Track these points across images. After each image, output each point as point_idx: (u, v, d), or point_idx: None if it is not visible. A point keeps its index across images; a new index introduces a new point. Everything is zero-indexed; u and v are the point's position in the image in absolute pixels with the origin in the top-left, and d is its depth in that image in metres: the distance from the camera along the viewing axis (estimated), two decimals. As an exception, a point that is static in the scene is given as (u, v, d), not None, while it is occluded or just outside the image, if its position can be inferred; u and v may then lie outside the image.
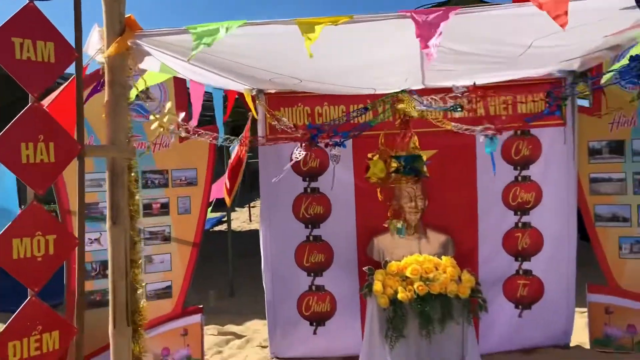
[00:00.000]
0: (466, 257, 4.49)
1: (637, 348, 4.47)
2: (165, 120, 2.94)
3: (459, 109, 3.78)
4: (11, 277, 2.47)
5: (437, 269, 4.09)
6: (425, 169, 4.15)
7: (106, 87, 2.31)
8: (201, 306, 4.70)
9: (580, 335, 4.87)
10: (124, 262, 2.41)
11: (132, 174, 2.54)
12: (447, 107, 3.71)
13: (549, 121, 4.47)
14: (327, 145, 3.82)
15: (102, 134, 4.22)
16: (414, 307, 4.00)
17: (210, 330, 5.65)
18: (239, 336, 5.48)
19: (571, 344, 4.74)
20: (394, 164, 3.64)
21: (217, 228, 12.21)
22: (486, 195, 4.59)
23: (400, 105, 3.59)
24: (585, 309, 4.87)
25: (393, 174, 3.55)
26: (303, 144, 3.97)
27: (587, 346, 4.71)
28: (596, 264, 4.73)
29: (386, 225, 4.10)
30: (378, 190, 4.08)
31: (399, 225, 4.03)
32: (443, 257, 4.20)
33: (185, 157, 4.52)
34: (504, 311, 4.64)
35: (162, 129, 2.95)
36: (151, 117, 3.06)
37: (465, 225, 4.59)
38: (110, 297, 2.43)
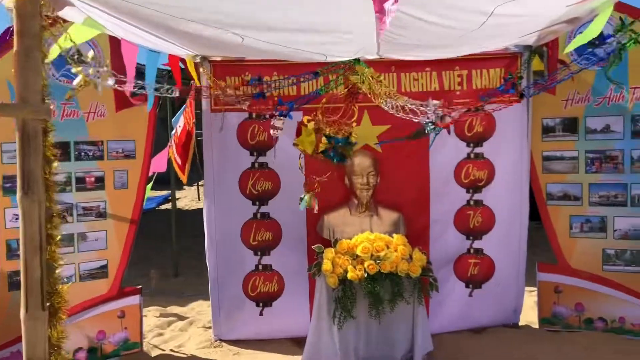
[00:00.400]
0: (418, 236, 4.37)
1: (585, 326, 4.47)
2: (91, 72, 2.63)
3: (431, 127, 3.58)
4: None
5: (388, 248, 3.96)
6: (351, 154, 3.98)
7: (15, 37, 2.01)
8: (140, 286, 4.43)
9: (529, 315, 4.85)
10: (37, 238, 2.13)
11: (49, 138, 2.24)
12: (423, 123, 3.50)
13: (505, 97, 4.37)
14: (272, 116, 3.58)
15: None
16: (364, 286, 3.85)
17: (151, 312, 5.38)
18: (181, 318, 5.23)
19: (520, 323, 4.71)
20: (323, 144, 3.45)
21: (164, 206, 11.82)
22: (439, 172, 4.47)
23: (354, 77, 3.38)
24: (534, 288, 4.85)
25: (318, 152, 3.38)
26: (277, 113, 3.69)
27: (536, 325, 4.69)
28: (545, 244, 4.71)
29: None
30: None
31: (307, 197, 3.79)
32: (394, 235, 4.07)
33: (123, 127, 4.20)
34: (454, 290, 4.56)
35: (85, 83, 2.63)
36: (73, 70, 2.74)
37: (417, 203, 4.47)
38: (21, 276, 2.15)
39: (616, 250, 4.37)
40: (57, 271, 2.24)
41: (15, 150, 3.84)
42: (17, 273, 3.89)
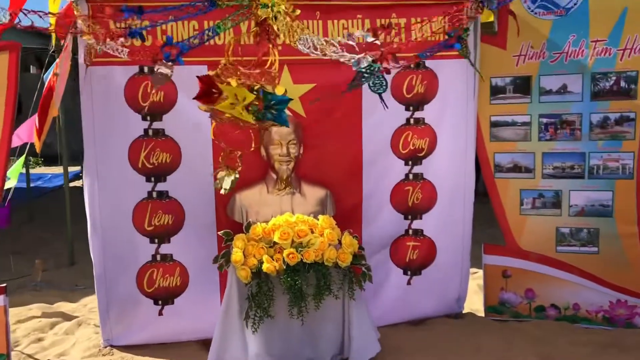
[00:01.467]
0: (348, 216, 3.70)
1: (536, 314, 3.96)
2: None
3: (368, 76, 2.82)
4: None
5: (312, 232, 3.26)
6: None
7: None
8: (4, 285, 3.52)
9: (473, 301, 4.32)
10: None
11: None
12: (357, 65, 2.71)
13: (448, 52, 3.71)
14: (155, 60, 2.73)
15: None
16: (283, 280, 3.15)
17: (33, 311, 4.46)
18: (68, 317, 4.35)
19: (464, 311, 4.16)
20: (249, 99, 2.58)
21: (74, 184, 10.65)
22: (373, 141, 3.78)
23: (262, 10, 2.59)
24: (477, 270, 4.31)
25: (244, 112, 2.52)
26: (164, 56, 2.78)
27: (481, 314, 4.15)
28: (492, 222, 4.16)
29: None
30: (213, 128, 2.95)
31: (226, 178, 2.96)
32: (320, 216, 3.36)
33: (-29, 82, 3.25)
34: (391, 278, 3.94)
35: None
36: None
37: (348, 178, 3.77)
38: None
39: (571, 228, 3.85)
40: None
41: None
42: None
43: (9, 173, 3.78)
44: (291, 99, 2.55)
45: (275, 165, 3.46)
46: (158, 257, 3.68)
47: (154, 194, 3.62)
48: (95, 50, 3.35)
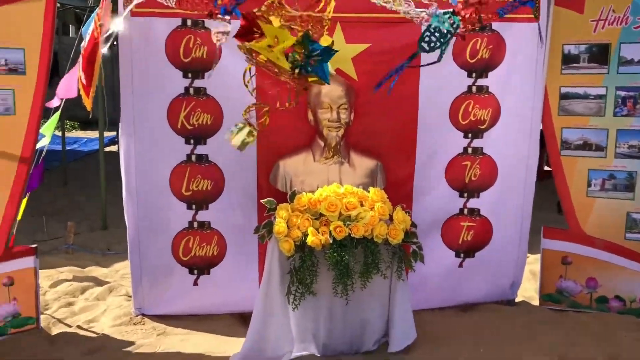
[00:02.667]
0: (398, 191, 3.42)
1: (597, 306, 3.65)
2: None
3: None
4: None
5: (362, 205, 2.98)
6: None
7: None
8: (35, 246, 3.37)
9: (525, 289, 4.01)
10: None
11: None
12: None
13: (517, 14, 3.37)
14: (211, 15, 2.48)
15: None
16: (329, 255, 2.89)
17: (64, 274, 4.35)
18: (100, 283, 4.21)
19: (517, 299, 3.86)
20: (289, 43, 2.27)
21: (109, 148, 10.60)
22: (429, 109, 3.47)
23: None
24: (530, 256, 4.00)
25: (281, 57, 2.22)
26: (220, 11, 2.51)
27: (536, 302, 3.85)
28: (553, 203, 3.83)
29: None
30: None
31: (240, 133, 2.67)
32: (370, 189, 3.09)
33: (6, 30, 3.05)
34: (441, 259, 3.65)
35: None
36: None
37: (400, 149, 3.49)
38: None
39: (644, 214, 3.51)
40: None
41: None
42: None
43: (42, 130, 3.60)
44: (336, 51, 2.26)
45: (324, 131, 3.19)
46: (195, 225, 3.47)
47: (193, 158, 3.40)
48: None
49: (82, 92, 3.23)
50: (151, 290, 3.52)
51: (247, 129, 2.63)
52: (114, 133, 9.42)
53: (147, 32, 3.25)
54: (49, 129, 3.63)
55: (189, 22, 3.26)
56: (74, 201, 6.79)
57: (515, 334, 3.38)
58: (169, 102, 3.33)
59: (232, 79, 3.28)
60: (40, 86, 3.20)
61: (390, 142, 3.44)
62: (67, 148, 9.34)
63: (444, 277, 3.66)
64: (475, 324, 3.55)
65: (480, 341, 3.30)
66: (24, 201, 3.40)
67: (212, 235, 3.48)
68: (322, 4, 2.25)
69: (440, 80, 3.39)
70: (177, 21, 3.26)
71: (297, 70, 2.35)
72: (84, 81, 3.17)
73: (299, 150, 3.29)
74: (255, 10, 2.26)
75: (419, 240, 3.14)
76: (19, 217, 3.41)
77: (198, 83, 3.33)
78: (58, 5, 7.17)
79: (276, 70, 2.29)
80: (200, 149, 3.39)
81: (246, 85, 2.58)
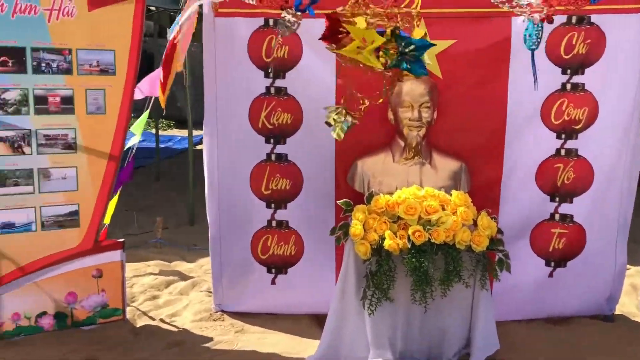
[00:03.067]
0: (485, 194, 3.25)
1: None
2: None
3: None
4: None
5: (443, 209, 2.85)
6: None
7: None
8: (122, 240, 3.50)
9: (623, 304, 3.69)
10: None
11: None
12: None
13: (619, 4, 3.10)
14: (282, 7, 2.44)
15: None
16: (407, 260, 2.78)
17: (151, 268, 4.50)
18: (184, 277, 4.32)
19: (615, 314, 3.56)
20: (378, 43, 2.18)
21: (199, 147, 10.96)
22: (519, 108, 3.26)
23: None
24: (630, 267, 3.67)
25: (372, 58, 2.14)
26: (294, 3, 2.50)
27: (637, 317, 3.54)
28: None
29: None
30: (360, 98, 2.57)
31: (342, 120, 2.58)
32: (453, 191, 2.95)
33: (98, 32, 3.18)
34: (529, 268, 3.43)
35: None
36: None
37: (487, 150, 3.30)
38: None
39: None
40: None
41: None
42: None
43: (132, 129, 3.75)
44: (433, 44, 2.14)
45: (404, 130, 3.08)
46: (273, 223, 3.47)
47: (273, 157, 3.40)
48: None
49: (159, 90, 3.33)
50: (231, 287, 3.56)
51: (347, 115, 2.56)
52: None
53: (230, 32, 3.28)
54: (138, 127, 3.77)
55: (270, 22, 3.26)
56: (164, 197, 7.05)
57: (612, 352, 3.12)
58: (251, 102, 3.35)
59: (312, 79, 3.28)
60: (129, 86, 3.31)
61: (476, 143, 3.27)
62: (162, 146, 9.75)
63: (532, 287, 3.43)
64: (567, 339, 3.32)
65: (572, 358, 3.07)
66: (116, 197, 3.56)
67: (290, 234, 3.47)
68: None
69: (531, 77, 3.17)
70: (260, 21, 3.27)
71: (390, 68, 2.28)
72: (161, 79, 3.26)
73: (378, 150, 3.20)
74: (338, 10, 2.21)
75: (506, 248, 2.96)
76: (112, 211, 3.57)
77: (279, 83, 3.33)
78: (153, 8, 7.53)
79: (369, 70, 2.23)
80: (280, 148, 3.39)
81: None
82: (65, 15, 3.10)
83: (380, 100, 2.52)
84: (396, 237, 2.81)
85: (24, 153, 3.14)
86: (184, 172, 6.70)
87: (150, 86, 3.66)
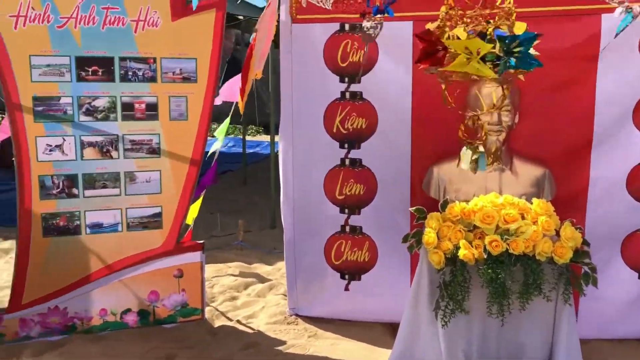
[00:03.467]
0: (570, 202, 3.05)
1: None
2: None
3: None
4: None
5: (523, 218, 2.70)
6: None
7: None
8: (202, 242, 3.61)
9: None
10: None
11: None
12: None
13: None
14: (364, 13, 2.42)
15: None
16: (483, 271, 2.66)
17: (232, 269, 4.62)
18: (262, 279, 4.40)
19: None
20: (485, 50, 2.09)
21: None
22: (609, 110, 3.04)
23: None
24: None
25: (481, 67, 2.05)
26: (372, 10, 2.49)
27: None
28: None
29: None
30: (445, 92, 2.49)
31: (476, 153, 2.52)
32: (534, 199, 2.79)
33: (181, 41, 3.31)
34: (621, 282, 3.18)
35: None
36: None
37: (573, 155, 3.10)
38: None
39: None
40: None
41: (49, 66, 3.19)
42: (54, 215, 3.28)
43: (216, 133, 3.87)
44: (539, 34, 2.05)
45: (484, 135, 2.95)
46: (347, 229, 3.45)
47: (347, 161, 3.39)
48: (298, 5, 3.20)
49: (238, 95, 3.41)
50: (305, 292, 3.58)
51: (472, 148, 2.51)
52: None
53: (306, 38, 3.31)
54: (221, 133, 3.88)
55: (346, 27, 3.25)
56: (249, 200, 7.23)
57: None
58: (326, 107, 3.36)
59: (388, 82, 3.24)
60: (210, 93, 3.42)
61: (561, 148, 3.08)
62: (249, 151, 10.02)
63: (624, 303, 3.18)
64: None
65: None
66: (199, 200, 3.68)
67: (363, 240, 3.44)
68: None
69: (622, 75, 2.95)
70: (335, 26, 3.27)
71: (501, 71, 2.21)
72: (240, 85, 3.34)
73: (455, 156, 3.08)
74: (431, 27, 2.17)
75: (592, 262, 2.76)
76: (195, 213, 3.70)
77: (354, 87, 3.31)
78: (240, 17, 7.74)
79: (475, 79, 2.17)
80: (354, 153, 3.37)
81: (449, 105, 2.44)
82: (151, 26, 3.25)
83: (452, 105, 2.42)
84: (472, 246, 2.69)
85: (111, 157, 3.32)
86: (269, 177, 6.87)
87: (229, 92, 3.76)
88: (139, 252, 3.45)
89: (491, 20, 2.18)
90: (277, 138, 6.71)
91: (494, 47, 2.16)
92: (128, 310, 3.49)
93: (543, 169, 3.01)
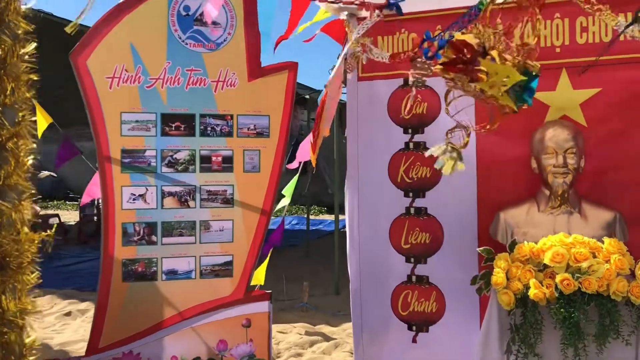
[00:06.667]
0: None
1: None
2: None
3: None
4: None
5: (594, 256, 2.66)
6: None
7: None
8: (270, 292, 3.69)
9: None
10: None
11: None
12: None
13: None
14: (412, 58, 2.57)
15: (154, 61, 3.47)
16: (555, 311, 2.61)
17: (297, 329, 4.65)
18: (327, 338, 4.40)
19: None
20: (514, 80, 2.14)
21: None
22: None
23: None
24: None
25: (504, 95, 2.11)
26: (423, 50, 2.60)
27: None
28: None
29: None
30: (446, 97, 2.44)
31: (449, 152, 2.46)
32: (605, 238, 2.75)
33: (256, 100, 3.58)
34: None
35: None
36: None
37: (644, 198, 3.06)
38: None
39: None
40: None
41: (137, 122, 3.51)
42: (133, 261, 3.47)
43: (284, 191, 4.05)
44: (538, 76, 2.11)
45: (549, 178, 2.97)
46: (413, 279, 3.46)
47: (412, 210, 3.45)
48: (361, 64, 3.41)
49: (310, 150, 3.58)
50: (371, 344, 3.55)
51: (454, 152, 2.53)
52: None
53: (371, 94, 3.51)
54: (288, 190, 4.06)
55: (409, 81, 3.42)
56: (312, 270, 7.30)
57: None
58: (390, 157, 3.48)
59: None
60: (280, 148, 3.63)
61: (631, 191, 3.04)
62: (312, 228, 10.22)
63: None
64: None
65: None
66: (266, 260, 3.79)
67: (430, 290, 3.42)
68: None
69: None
70: (399, 81, 3.46)
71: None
72: (312, 140, 3.52)
73: (522, 201, 3.11)
74: (468, 38, 2.25)
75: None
76: (263, 274, 3.79)
77: (417, 138, 3.44)
78: (307, 96, 8.16)
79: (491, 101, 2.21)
80: (419, 202, 3.44)
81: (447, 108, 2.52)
82: (229, 86, 3.54)
83: (487, 128, 2.44)
84: (542, 286, 2.66)
85: (189, 206, 3.53)
86: (332, 249, 6.96)
87: (304, 153, 3.96)
88: (209, 300, 3.56)
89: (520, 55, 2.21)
90: (341, 217, 6.94)
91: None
92: (197, 359, 3.56)
93: (614, 212, 2.96)
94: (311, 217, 10.54)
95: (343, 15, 3.45)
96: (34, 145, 1.44)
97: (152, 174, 3.47)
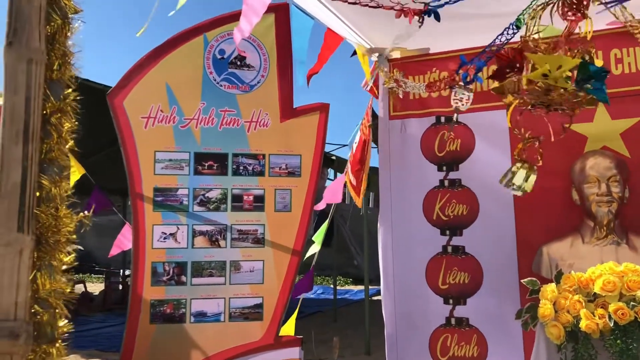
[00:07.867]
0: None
1: None
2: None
3: None
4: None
5: (648, 284, 2.51)
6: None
7: None
8: (301, 337, 3.54)
9: None
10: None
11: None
12: None
13: None
14: (452, 84, 2.57)
15: (189, 101, 3.53)
16: (612, 343, 2.43)
17: (328, 386, 4.41)
18: (360, 394, 4.15)
19: None
20: (567, 67, 2.04)
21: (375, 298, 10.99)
22: None
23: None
24: None
25: (560, 80, 2.03)
26: (461, 77, 2.57)
27: None
28: None
29: None
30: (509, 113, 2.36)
31: (520, 172, 2.32)
32: (659, 266, 2.60)
33: (288, 139, 3.58)
34: None
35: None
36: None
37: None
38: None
39: None
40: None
41: (170, 160, 3.53)
42: (162, 302, 3.38)
43: (314, 237, 3.97)
44: (608, 72, 2.06)
45: (592, 207, 2.87)
46: (452, 321, 3.29)
47: (449, 249, 3.34)
48: (395, 102, 3.43)
49: (352, 194, 3.54)
50: (409, 392, 3.34)
51: (526, 167, 2.42)
52: (379, 287, 9.77)
53: (403, 132, 3.49)
54: (318, 237, 3.99)
55: (442, 119, 3.42)
56: (341, 333, 7.04)
57: None
58: (424, 195, 3.41)
59: (486, 168, 3.29)
60: (311, 188, 3.59)
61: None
62: (339, 297, 10.01)
63: None
64: None
65: None
66: (295, 314, 3.67)
67: (471, 333, 3.25)
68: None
69: None
70: (431, 119, 3.45)
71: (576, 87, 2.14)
72: (353, 182, 3.48)
73: (565, 234, 2.99)
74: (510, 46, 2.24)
75: None
76: (293, 325, 3.66)
77: (453, 175, 3.39)
78: (333, 157, 8.22)
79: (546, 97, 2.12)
80: (456, 240, 3.33)
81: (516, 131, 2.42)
82: (262, 126, 3.56)
83: (561, 136, 2.34)
84: (593, 316, 2.49)
85: (219, 246, 3.46)
86: (360, 314, 6.74)
87: (332, 194, 3.92)
88: (239, 345, 3.42)
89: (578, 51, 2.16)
90: (372, 287, 6.81)
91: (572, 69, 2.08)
92: (225, 406, 3.38)
93: (664, 244, 2.83)
94: (337, 287, 10.34)
95: (374, 57, 3.52)
96: (76, 125, 1.43)
97: (184, 212, 3.44)
